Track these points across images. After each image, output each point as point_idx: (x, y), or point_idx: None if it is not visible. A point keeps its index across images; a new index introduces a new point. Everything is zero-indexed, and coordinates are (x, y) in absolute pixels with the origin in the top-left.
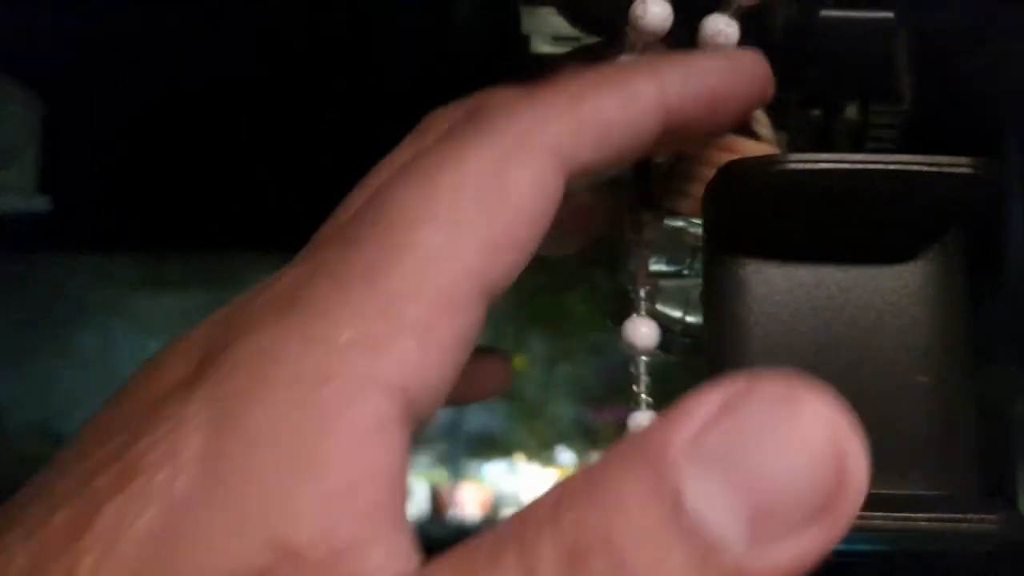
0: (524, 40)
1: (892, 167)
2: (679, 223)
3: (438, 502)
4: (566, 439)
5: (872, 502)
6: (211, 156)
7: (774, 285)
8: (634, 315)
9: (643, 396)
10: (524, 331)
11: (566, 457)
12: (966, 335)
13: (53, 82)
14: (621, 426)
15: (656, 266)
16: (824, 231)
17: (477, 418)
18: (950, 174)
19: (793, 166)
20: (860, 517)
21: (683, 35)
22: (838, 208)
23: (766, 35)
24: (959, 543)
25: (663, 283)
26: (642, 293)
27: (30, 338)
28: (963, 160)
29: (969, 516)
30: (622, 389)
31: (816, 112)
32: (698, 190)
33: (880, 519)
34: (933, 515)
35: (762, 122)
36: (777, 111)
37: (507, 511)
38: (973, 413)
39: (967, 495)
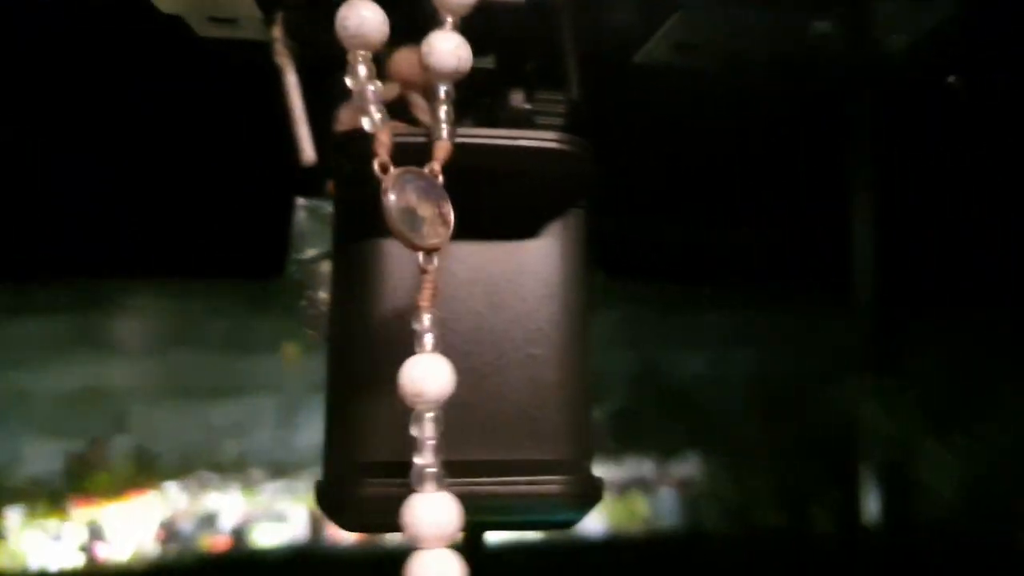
0: (180, 22)
1: (479, 141)
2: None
3: (316, 527)
4: None
5: (455, 469)
6: (77, 178)
7: (400, 262)
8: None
9: None
10: None
11: None
12: (580, 312)
13: None
14: None
15: (317, 248)
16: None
17: None
18: (537, 149)
19: (398, 140)
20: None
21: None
22: (455, 183)
23: (430, 23)
24: (525, 505)
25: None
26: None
27: None
28: (548, 135)
29: (535, 479)
30: None
31: (484, 100)
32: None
33: (451, 485)
34: (498, 479)
35: (420, 107)
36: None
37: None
38: (581, 387)
39: (564, 462)
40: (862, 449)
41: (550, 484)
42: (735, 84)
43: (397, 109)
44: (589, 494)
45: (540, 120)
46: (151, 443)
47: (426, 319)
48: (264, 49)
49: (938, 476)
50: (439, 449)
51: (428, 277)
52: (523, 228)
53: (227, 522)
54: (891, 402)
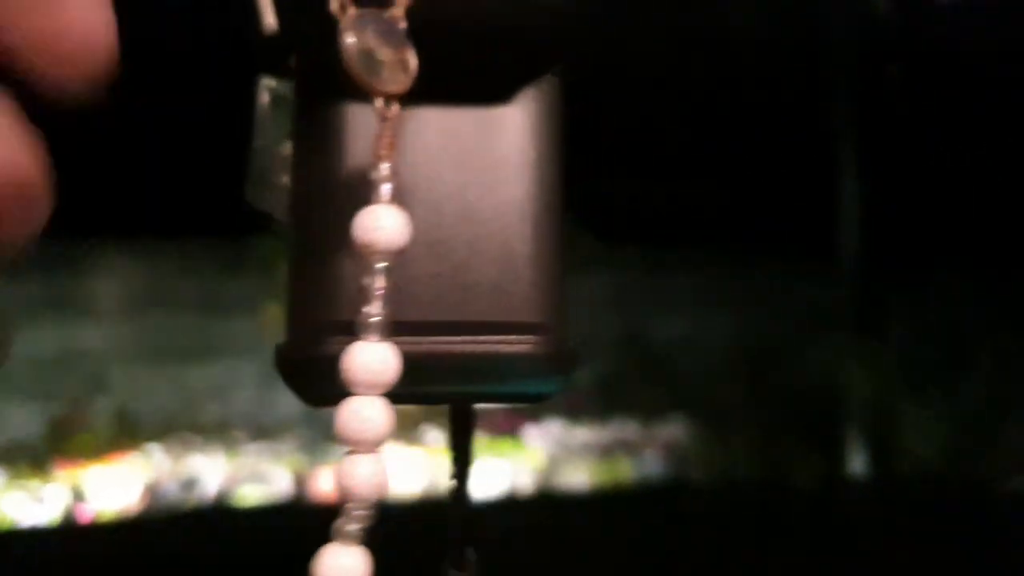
0: None
1: None
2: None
3: (300, 488)
4: (432, 418)
5: (421, 329)
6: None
7: (361, 121)
8: None
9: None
10: None
11: (432, 436)
12: (555, 185)
13: None
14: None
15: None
16: (422, 68)
17: None
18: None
19: None
20: (403, 342)
21: None
22: (421, 37)
23: None
24: (494, 364)
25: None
26: None
27: None
28: None
29: (505, 338)
30: None
31: None
32: None
33: (413, 343)
34: (466, 338)
35: None
36: None
37: None
38: (556, 261)
39: (537, 324)
40: (844, 409)
41: (521, 343)
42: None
43: None
44: (563, 357)
45: None
46: (132, 405)
47: (383, 168)
48: None
49: (918, 434)
50: (387, 300)
51: (387, 125)
52: (496, 92)
53: (210, 483)
54: (872, 362)
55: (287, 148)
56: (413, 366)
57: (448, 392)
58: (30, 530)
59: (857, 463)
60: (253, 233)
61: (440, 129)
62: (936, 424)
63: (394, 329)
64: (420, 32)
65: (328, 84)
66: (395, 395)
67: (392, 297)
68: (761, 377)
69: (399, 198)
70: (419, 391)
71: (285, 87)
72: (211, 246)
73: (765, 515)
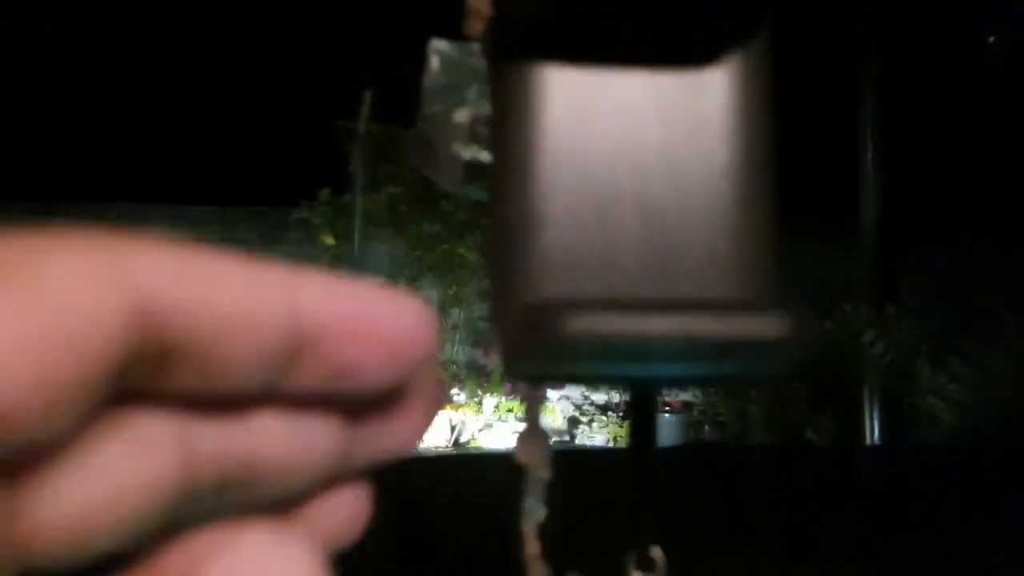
0: None
1: None
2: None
3: None
4: (459, 379)
5: (657, 307)
6: (93, 106)
7: (567, 90)
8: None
9: None
10: (418, 278)
11: (459, 398)
12: (768, 145)
13: None
14: None
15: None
16: (623, 32)
17: None
18: None
19: None
20: (644, 325)
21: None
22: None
23: None
24: (747, 350)
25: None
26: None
27: None
28: None
29: (756, 315)
30: None
31: None
32: (480, 3)
33: (663, 323)
34: (718, 315)
35: None
36: None
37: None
38: (772, 227)
39: (761, 303)
40: (862, 375)
41: (772, 325)
42: None
43: None
44: (810, 338)
45: None
46: None
47: None
48: None
49: (936, 401)
50: (600, 270)
51: None
52: (702, 52)
53: None
54: (890, 329)
55: (459, 116)
56: (646, 347)
57: (671, 375)
58: None
59: (875, 427)
60: (292, 204)
61: (647, 91)
62: (956, 388)
63: (628, 304)
64: None
65: (528, 47)
66: (604, 377)
67: (604, 264)
68: None
69: (607, 161)
70: (634, 372)
71: (457, 50)
72: (254, 214)
73: (782, 477)
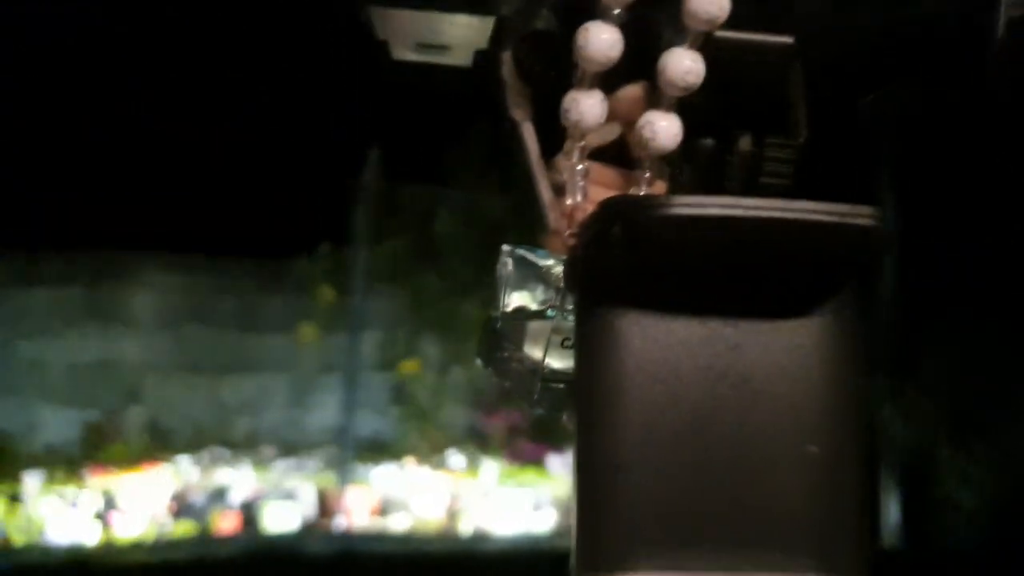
0: (383, 47)
1: (790, 215)
2: (548, 260)
3: (325, 506)
4: (457, 443)
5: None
6: (91, 152)
7: (654, 339)
8: None
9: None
10: (418, 335)
11: (456, 461)
12: (860, 399)
13: None
14: (512, 430)
15: (519, 302)
16: (712, 282)
17: (367, 423)
18: (851, 225)
19: (680, 210)
20: None
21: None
22: (728, 257)
23: (652, 53)
24: None
25: (532, 325)
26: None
27: None
28: (865, 210)
29: None
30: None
31: (708, 141)
32: (560, 224)
33: None
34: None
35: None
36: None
37: (396, 516)
38: (861, 488)
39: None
40: (880, 455)
41: None
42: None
43: (615, 149)
44: None
45: (768, 167)
46: (164, 417)
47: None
48: (457, 75)
49: (959, 486)
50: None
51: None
52: (793, 306)
53: (237, 497)
54: (909, 407)
55: (533, 326)
56: None
57: None
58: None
59: (893, 511)
60: (291, 256)
61: (719, 345)
62: (979, 471)
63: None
64: (720, 251)
65: (609, 295)
66: None
67: (688, 522)
68: None
69: (684, 422)
70: None
71: (528, 254)
72: (250, 266)
73: None
